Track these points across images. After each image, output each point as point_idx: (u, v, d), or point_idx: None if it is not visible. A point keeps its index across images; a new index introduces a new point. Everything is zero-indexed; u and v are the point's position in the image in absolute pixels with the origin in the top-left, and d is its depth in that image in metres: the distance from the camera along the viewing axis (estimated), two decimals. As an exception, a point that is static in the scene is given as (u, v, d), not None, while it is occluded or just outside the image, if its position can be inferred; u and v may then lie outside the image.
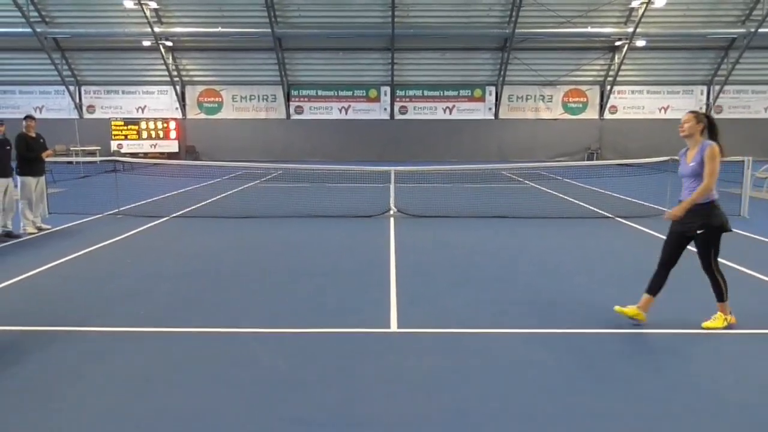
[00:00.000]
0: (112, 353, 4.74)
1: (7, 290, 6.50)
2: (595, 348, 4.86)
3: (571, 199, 14.27)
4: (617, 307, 5.40)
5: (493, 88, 29.30)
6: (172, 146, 28.60)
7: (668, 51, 28.06)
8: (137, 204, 13.07)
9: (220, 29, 26.25)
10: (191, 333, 5.21)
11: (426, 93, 29.38)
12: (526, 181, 18.93)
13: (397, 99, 29.40)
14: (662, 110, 29.51)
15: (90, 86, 29.24)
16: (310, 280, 6.99)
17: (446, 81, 29.15)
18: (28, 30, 25.40)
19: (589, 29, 26.27)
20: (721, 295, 5.27)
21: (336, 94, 29.44)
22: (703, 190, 4.99)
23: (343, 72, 28.83)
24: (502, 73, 28.29)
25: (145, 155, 27.10)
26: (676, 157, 5.43)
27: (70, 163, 22.05)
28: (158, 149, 28.29)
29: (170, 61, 28.10)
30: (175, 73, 28.59)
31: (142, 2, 24.64)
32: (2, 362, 4.55)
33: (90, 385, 4.17)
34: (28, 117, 10.01)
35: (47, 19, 26.28)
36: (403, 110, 29.51)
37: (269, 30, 25.93)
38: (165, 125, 28.64)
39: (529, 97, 29.49)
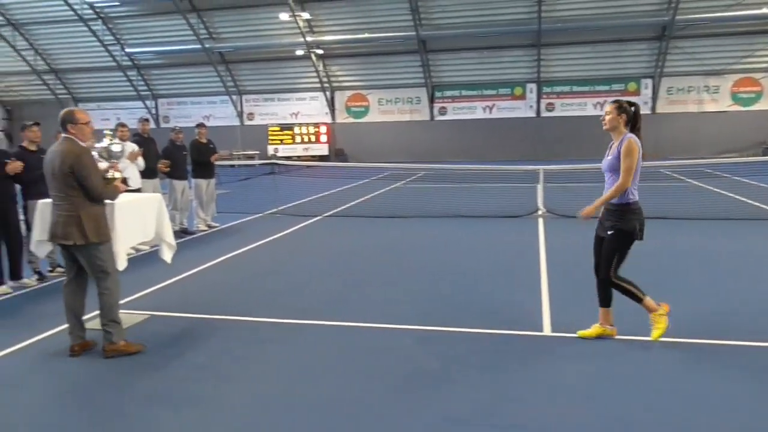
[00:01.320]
0: (276, 342, 5.08)
1: (183, 281, 7.21)
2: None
3: (747, 200, 12.92)
4: (579, 332, 4.92)
5: (649, 81, 27.39)
6: (323, 149, 30.03)
7: None
8: (293, 204, 13.87)
9: (366, 35, 27.14)
10: (346, 327, 5.42)
11: (575, 89, 28.17)
12: (689, 180, 17.45)
13: (544, 96, 28.50)
14: None
15: (250, 95, 31.58)
16: (458, 279, 6.98)
17: (597, 75, 27.72)
18: (198, 46, 28.04)
19: (765, 11, 23.62)
20: (634, 297, 4.74)
21: (480, 93, 29.19)
22: (618, 188, 4.55)
23: (488, 70, 28.51)
24: (659, 64, 26.34)
25: (299, 158, 28.72)
26: None
27: (233, 166, 23.97)
28: (310, 152, 29.85)
29: (321, 68, 29.54)
30: (325, 79, 30.01)
31: (296, 14, 26.16)
32: (180, 345, 5.05)
33: (257, 369, 4.49)
34: (200, 125, 11.03)
35: (214, 36, 28.79)
36: (550, 107, 28.54)
37: (414, 33, 26.35)
38: (316, 130, 30.15)
39: (691, 88, 27.16)
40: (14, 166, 6.71)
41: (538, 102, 28.53)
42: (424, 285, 6.83)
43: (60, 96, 32.26)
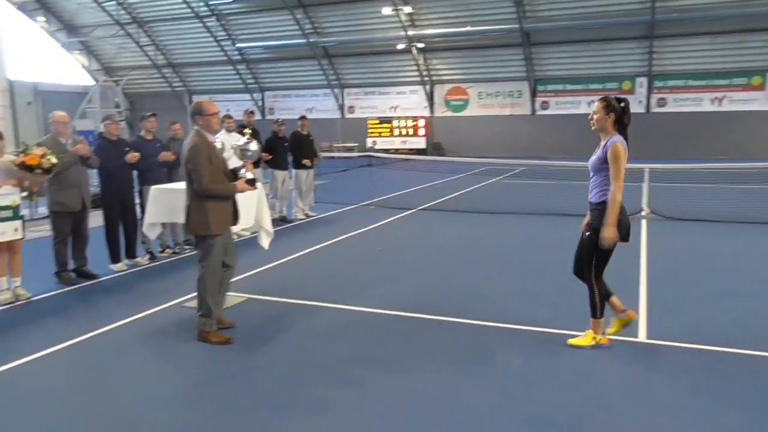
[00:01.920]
0: (360, 330, 5.19)
1: (281, 267, 7.51)
2: None
3: None
4: (607, 331, 4.77)
5: (779, 73, 25.15)
6: (420, 143, 30.10)
7: None
8: (388, 196, 14.04)
9: (468, 28, 26.85)
10: (434, 321, 5.45)
11: (690, 83, 26.42)
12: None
13: (655, 90, 26.96)
14: None
15: (351, 88, 32.19)
16: (550, 280, 6.80)
17: (716, 69, 25.81)
18: (303, 41, 28.93)
19: None
20: (594, 309, 4.62)
21: (585, 87, 28.07)
22: (612, 196, 4.39)
23: (594, 64, 27.35)
24: (792, 56, 24.14)
25: (396, 151, 28.97)
26: None
27: (332, 158, 24.58)
28: (407, 146, 30.02)
29: (421, 61, 29.58)
30: (425, 73, 30.03)
31: (398, 8, 26.33)
32: (277, 326, 5.29)
33: (343, 351, 4.63)
34: (302, 117, 11.40)
35: (318, 30, 29.58)
36: (662, 102, 26.98)
37: (517, 25, 25.77)
38: (414, 123, 30.27)
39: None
40: (132, 156, 7.25)
41: (648, 97, 27.04)
42: (513, 283, 6.72)
43: (176, 89, 34.42)
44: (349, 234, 9.59)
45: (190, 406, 3.92)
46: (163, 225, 7.59)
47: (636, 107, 27.26)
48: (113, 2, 29.82)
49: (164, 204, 5.84)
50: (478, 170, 20.99)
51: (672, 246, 8.44)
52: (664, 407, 3.76)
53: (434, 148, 30.11)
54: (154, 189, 5.97)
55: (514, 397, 3.95)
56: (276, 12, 28.66)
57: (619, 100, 4.48)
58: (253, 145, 5.19)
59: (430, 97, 30.60)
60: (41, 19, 31.21)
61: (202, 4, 28.90)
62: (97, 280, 6.91)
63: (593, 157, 4.56)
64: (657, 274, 6.93)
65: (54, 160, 5.96)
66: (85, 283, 6.79)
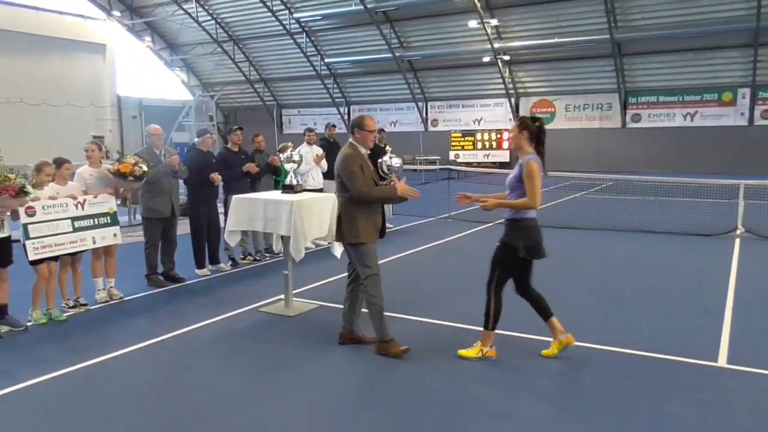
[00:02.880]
0: (433, 341, 5.24)
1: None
2: None
3: None
4: (543, 352, 4.81)
5: None
6: (504, 156, 29.66)
7: None
8: (466, 209, 13.98)
9: (556, 40, 26.30)
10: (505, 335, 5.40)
11: (800, 93, 24.60)
12: None
13: (759, 102, 25.27)
14: None
15: (435, 101, 32.29)
16: (629, 299, 6.58)
17: (829, 78, 23.94)
18: (389, 55, 29.38)
19: None
20: (487, 321, 4.69)
21: (680, 99, 26.73)
22: (524, 205, 4.54)
23: (691, 74, 26.00)
24: None
25: (479, 164, 28.72)
26: None
27: (415, 170, 24.73)
28: (491, 159, 29.68)
29: (506, 74, 29.25)
30: (510, 85, 29.67)
31: (484, 21, 26.23)
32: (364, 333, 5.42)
33: (417, 364, 4.69)
34: (380, 130, 11.54)
35: (404, 44, 29.95)
36: (766, 115, 25.24)
37: (608, 36, 24.95)
38: (498, 136, 29.92)
39: None
40: (251, 166, 8.05)
41: (752, 109, 25.36)
42: (589, 302, 6.54)
43: (267, 103, 35.85)
44: (424, 246, 9.65)
45: (257, 403, 4.11)
46: (245, 233, 7.98)
47: (737, 120, 25.73)
48: (212, 22, 31.58)
49: (244, 213, 6.12)
50: (563, 184, 20.45)
51: (766, 266, 7.92)
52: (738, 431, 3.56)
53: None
54: (235, 198, 6.28)
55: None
56: (363, 27, 29.30)
57: (534, 119, 4.70)
58: (396, 160, 5.51)
59: (516, 110, 30.18)
60: (147, 39, 33.54)
61: (293, 21, 30.04)
62: (183, 284, 7.35)
63: (510, 176, 4.69)
64: (746, 294, 6.54)
65: (145, 168, 6.42)
66: (172, 286, 7.25)
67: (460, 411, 3.94)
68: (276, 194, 6.28)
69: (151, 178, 6.76)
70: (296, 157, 6.33)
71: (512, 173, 4.70)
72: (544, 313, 4.82)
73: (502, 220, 4.83)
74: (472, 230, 11.21)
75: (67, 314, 6.04)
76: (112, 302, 6.54)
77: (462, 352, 4.83)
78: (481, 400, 4.11)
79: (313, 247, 9.33)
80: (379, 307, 4.90)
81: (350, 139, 5.02)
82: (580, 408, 3.97)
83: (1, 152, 5.83)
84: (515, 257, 4.60)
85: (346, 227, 4.90)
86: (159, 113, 29.00)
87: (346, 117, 34.03)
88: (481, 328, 4.82)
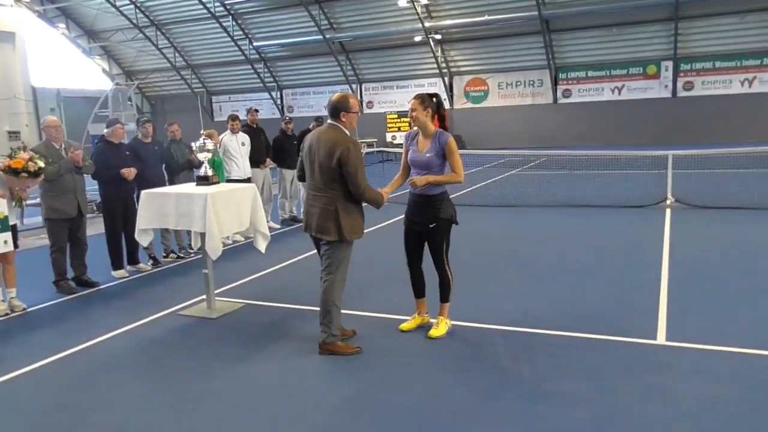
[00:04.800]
0: (379, 339, 4.92)
1: (284, 270, 7.28)
2: None
3: None
4: (402, 325, 4.99)
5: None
6: (440, 136, 29.66)
7: None
8: (404, 192, 13.70)
9: (486, 17, 26.29)
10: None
11: (718, 65, 25.49)
12: None
13: (681, 74, 26.08)
14: None
15: (369, 83, 31.87)
16: (563, 276, 6.45)
17: (746, 49, 24.85)
18: (320, 37, 28.70)
19: None
20: (447, 294, 4.86)
21: (608, 73, 27.31)
22: (453, 181, 4.69)
23: (617, 49, 26.57)
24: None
25: (416, 145, 28.55)
26: None
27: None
28: (428, 139, 29.58)
29: (439, 53, 29.12)
30: (443, 64, 29.56)
31: (414, 0, 25.90)
32: (275, 331, 5.03)
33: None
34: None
35: (335, 26, 29.31)
36: (688, 86, 26.08)
37: (536, 13, 25.13)
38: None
39: None
40: (128, 171, 7.08)
41: (675, 81, 26.18)
42: (530, 281, 6.37)
43: (195, 89, 34.51)
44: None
45: (167, 424, 3.69)
46: (167, 228, 7.44)
47: (661, 92, 26.50)
48: (131, 6, 29.98)
49: (155, 209, 5.59)
50: (497, 162, 20.51)
51: (698, 236, 8.00)
52: (682, 413, 3.40)
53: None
54: (144, 193, 5.73)
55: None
56: (291, 9, 28.49)
57: (431, 95, 4.68)
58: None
59: (450, 89, 30.13)
60: (61, 25, 31.59)
61: (218, 4, 28.85)
62: (96, 288, 6.76)
63: (427, 155, 4.65)
64: (680, 267, 6.52)
65: (41, 164, 5.79)
66: (84, 292, 6.64)
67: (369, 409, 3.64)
68: (189, 187, 5.78)
69: (50, 176, 6.13)
70: (210, 146, 5.83)
71: (426, 151, 4.66)
72: (423, 289, 5.00)
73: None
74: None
75: (-42, 332, 5.40)
76: (14, 314, 5.91)
77: (432, 333, 4.81)
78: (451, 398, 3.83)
79: (239, 241, 8.89)
80: (338, 309, 4.59)
81: (331, 122, 4.45)
82: (514, 400, 3.74)
83: None
84: (450, 226, 4.79)
85: (346, 224, 4.43)
86: (79, 105, 27.41)
87: (279, 102, 33.21)
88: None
